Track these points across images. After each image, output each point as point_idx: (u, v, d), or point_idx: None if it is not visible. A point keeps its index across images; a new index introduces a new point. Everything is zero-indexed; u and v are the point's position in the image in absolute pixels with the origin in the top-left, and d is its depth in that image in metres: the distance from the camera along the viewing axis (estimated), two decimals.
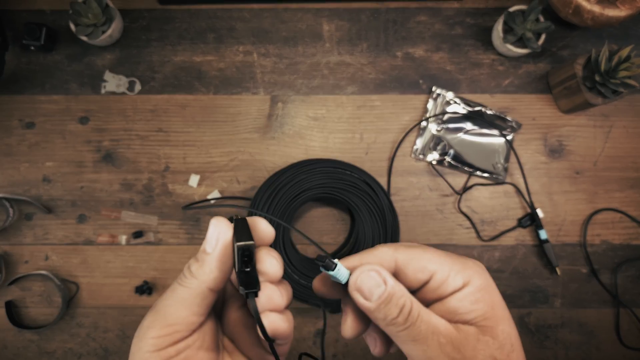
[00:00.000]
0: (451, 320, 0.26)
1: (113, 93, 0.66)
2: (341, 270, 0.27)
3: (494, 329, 0.26)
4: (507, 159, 0.65)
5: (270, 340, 0.25)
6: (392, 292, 0.25)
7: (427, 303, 0.28)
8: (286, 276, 0.61)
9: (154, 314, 0.26)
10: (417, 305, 0.26)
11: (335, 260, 0.26)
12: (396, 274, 0.28)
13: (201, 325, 0.27)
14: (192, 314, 0.26)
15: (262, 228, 0.28)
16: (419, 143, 0.66)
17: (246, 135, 0.66)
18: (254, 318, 0.26)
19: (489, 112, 0.65)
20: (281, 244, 0.61)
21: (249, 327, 0.29)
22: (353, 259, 0.28)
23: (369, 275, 0.26)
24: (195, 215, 0.64)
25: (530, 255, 0.65)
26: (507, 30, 0.64)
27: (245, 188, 0.65)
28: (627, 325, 0.64)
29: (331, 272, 0.26)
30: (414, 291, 0.28)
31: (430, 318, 0.26)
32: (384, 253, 0.28)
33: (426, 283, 0.28)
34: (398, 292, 0.25)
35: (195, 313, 0.26)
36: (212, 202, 0.64)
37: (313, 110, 0.66)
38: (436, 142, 0.66)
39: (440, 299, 0.27)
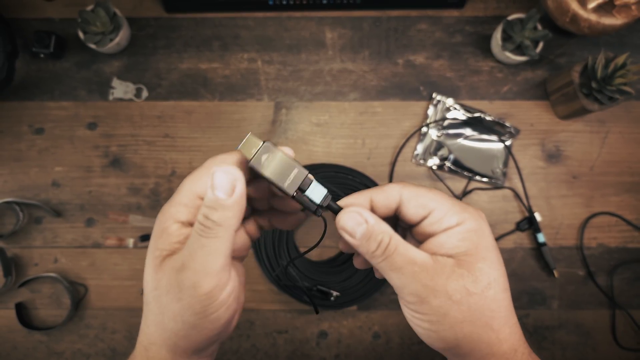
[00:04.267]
0: (435, 253, 0.29)
1: (121, 99, 0.68)
2: (315, 191, 0.30)
3: (471, 264, 0.28)
4: (505, 164, 0.67)
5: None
6: (371, 229, 0.28)
7: (424, 238, 0.30)
8: (288, 278, 0.62)
9: (193, 272, 0.26)
10: (396, 240, 0.28)
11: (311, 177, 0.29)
12: (399, 207, 0.31)
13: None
14: (226, 259, 0.27)
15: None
16: (420, 148, 0.67)
17: None
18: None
19: (488, 118, 0.67)
20: (284, 247, 0.63)
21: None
22: (363, 194, 0.31)
23: (351, 216, 0.29)
24: None
25: (528, 258, 0.66)
26: (506, 38, 0.65)
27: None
28: (622, 326, 0.65)
29: (307, 193, 0.29)
30: (414, 225, 0.31)
31: (407, 251, 0.28)
32: (392, 189, 0.30)
33: (425, 218, 0.30)
34: (377, 229, 0.28)
35: (227, 256, 0.27)
36: None
37: (316, 116, 0.68)
38: (436, 147, 0.67)
39: (434, 234, 0.30)
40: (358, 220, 0.28)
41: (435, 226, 0.29)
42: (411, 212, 0.30)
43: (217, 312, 0.27)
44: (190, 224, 0.29)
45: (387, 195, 0.30)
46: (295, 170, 0.29)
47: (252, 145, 0.29)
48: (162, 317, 0.27)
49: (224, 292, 0.27)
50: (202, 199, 0.29)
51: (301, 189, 0.29)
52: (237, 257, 0.33)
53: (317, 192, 0.30)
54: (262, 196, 0.32)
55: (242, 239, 0.33)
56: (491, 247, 0.29)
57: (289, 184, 0.29)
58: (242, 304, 0.32)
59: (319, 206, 0.30)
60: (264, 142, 0.29)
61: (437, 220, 0.29)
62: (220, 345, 0.64)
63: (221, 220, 0.26)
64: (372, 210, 0.31)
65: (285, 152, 0.29)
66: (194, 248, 0.26)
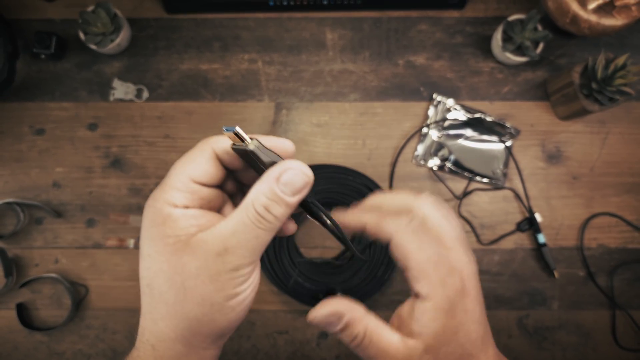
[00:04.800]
0: (410, 331, 0.29)
1: (121, 100, 0.68)
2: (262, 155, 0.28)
3: (437, 350, 0.28)
4: (506, 165, 0.67)
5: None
6: (345, 325, 0.29)
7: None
8: (290, 279, 0.62)
9: (239, 257, 0.27)
10: (370, 331, 0.29)
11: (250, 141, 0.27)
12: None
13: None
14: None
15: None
16: (420, 149, 0.67)
17: None
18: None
19: (488, 118, 0.67)
20: (285, 247, 0.63)
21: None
22: (361, 216, 0.31)
23: (326, 312, 0.29)
24: None
25: (528, 258, 0.66)
26: (506, 39, 0.65)
27: None
28: (622, 327, 0.65)
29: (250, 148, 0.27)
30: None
31: (380, 341, 0.29)
32: (388, 226, 0.29)
33: (406, 270, 0.29)
34: (352, 325, 0.29)
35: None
36: None
37: (316, 117, 0.68)
38: (437, 148, 0.67)
39: (414, 294, 0.29)
40: (333, 321, 0.29)
41: (413, 283, 0.29)
42: (397, 254, 0.29)
43: (244, 293, 0.28)
44: (188, 208, 0.28)
45: (380, 231, 0.30)
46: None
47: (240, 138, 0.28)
48: (182, 304, 0.27)
49: (254, 274, 0.28)
50: (196, 182, 0.28)
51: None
52: None
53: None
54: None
55: None
56: (460, 328, 0.28)
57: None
58: None
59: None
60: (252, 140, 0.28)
61: (413, 278, 0.29)
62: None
63: (282, 216, 0.27)
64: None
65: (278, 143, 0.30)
66: (247, 237, 0.26)
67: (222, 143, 0.29)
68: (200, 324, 0.27)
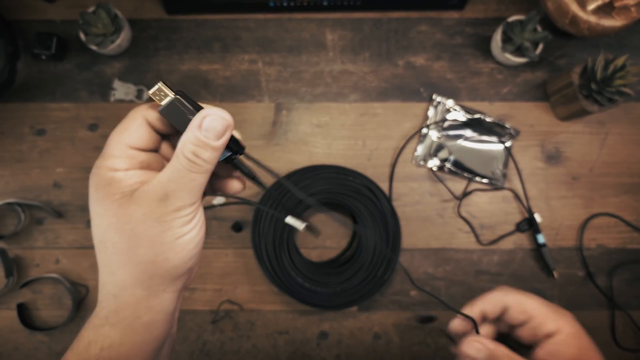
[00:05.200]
0: None
1: (122, 101, 0.68)
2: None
3: None
4: (505, 165, 0.67)
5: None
6: (492, 355, 0.36)
7: (526, 343, 0.38)
8: (290, 279, 0.62)
9: (179, 199, 0.29)
10: None
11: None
12: (503, 312, 0.39)
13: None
14: (203, 189, 0.30)
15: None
16: (420, 149, 0.68)
17: (251, 142, 0.68)
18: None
19: (488, 119, 0.67)
20: (285, 248, 0.63)
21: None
22: (474, 307, 0.40)
23: (474, 345, 0.36)
24: None
25: (528, 259, 0.66)
26: (506, 39, 0.66)
27: (250, 193, 0.67)
28: (622, 327, 0.65)
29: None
30: (514, 327, 0.39)
31: None
32: (497, 298, 0.40)
33: (525, 323, 0.38)
34: (498, 354, 0.36)
35: (204, 187, 0.30)
36: (218, 207, 0.66)
37: (317, 117, 0.68)
38: (436, 148, 0.67)
39: (535, 339, 0.37)
40: (479, 348, 0.36)
41: (536, 331, 0.37)
42: (513, 317, 0.38)
43: (191, 232, 0.30)
44: (129, 170, 0.30)
45: (494, 305, 0.39)
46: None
47: (163, 94, 0.29)
48: (135, 249, 0.29)
49: (197, 217, 0.30)
50: (133, 148, 0.30)
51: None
52: None
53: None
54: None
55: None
56: (591, 345, 0.37)
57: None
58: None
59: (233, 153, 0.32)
60: (175, 94, 0.29)
61: (537, 325, 0.37)
62: (220, 345, 0.64)
63: (210, 159, 0.29)
64: (483, 318, 0.40)
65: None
66: (183, 181, 0.28)
67: (152, 110, 0.31)
68: (155, 265, 0.29)
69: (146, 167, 0.31)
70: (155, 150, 0.32)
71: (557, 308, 0.38)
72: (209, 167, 0.29)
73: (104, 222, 0.29)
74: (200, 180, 0.29)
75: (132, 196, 0.29)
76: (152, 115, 0.30)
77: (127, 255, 0.29)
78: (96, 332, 0.30)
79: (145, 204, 0.28)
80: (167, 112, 0.29)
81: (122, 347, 0.29)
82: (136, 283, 0.29)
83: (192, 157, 0.28)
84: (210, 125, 0.28)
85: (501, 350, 0.36)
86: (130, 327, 0.30)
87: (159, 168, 0.32)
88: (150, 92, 0.29)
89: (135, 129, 0.30)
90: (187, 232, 0.30)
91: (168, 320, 0.32)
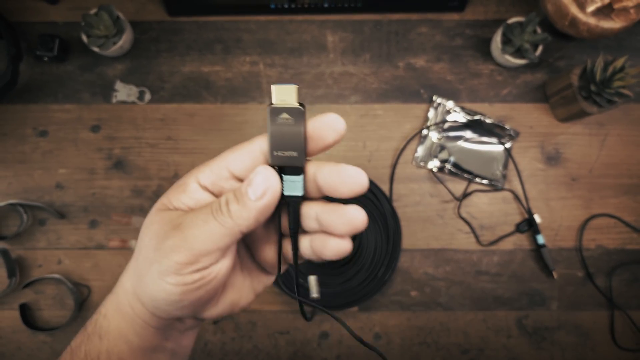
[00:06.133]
0: None
1: (124, 102, 0.68)
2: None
3: None
4: (505, 166, 0.68)
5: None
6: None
7: None
8: (291, 279, 0.63)
9: (182, 238, 0.26)
10: None
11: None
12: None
13: (224, 255, 0.27)
14: (218, 250, 0.26)
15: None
16: (420, 151, 0.68)
17: None
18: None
19: (488, 120, 0.67)
20: None
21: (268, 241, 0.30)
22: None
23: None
24: None
25: (527, 259, 0.67)
26: (506, 41, 0.66)
27: None
28: (621, 327, 0.66)
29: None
30: None
31: None
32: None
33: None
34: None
35: (222, 249, 0.26)
36: None
37: None
38: (437, 149, 0.68)
39: None
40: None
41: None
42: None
43: (173, 287, 0.26)
44: (206, 190, 0.28)
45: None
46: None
47: (287, 96, 0.26)
48: (138, 255, 0.28)
49: (192, 276, 0.26)
50: (230, 173, 0.28)
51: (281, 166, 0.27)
52: (265, 268, 0.32)
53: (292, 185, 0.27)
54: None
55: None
56: None
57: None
58: (241, 306, 0.31)
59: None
60: (301, 105, 0.26)
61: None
62: (222, 345, 0.65)
63: (235, 215, 0.26)
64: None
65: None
66: (198, 219, 0.26)
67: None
68: (141, 284, 0.27)
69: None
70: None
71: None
72: (230, 222, 0.26)
73: (148, 216, 0.28)
74: (214, 230, 0.26)
75: (168, 210, 0.28)
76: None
77: (134, 259, 0.28)
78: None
79: (162, 223, 0.27)
80: (274, 116, 0.26)
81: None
82: (130, 290, 0.29)
83: (223, 203, 0.26)
84: (255, 181, 0.26)
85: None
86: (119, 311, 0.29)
87: None
88: (277, 85, 0.26)
89: (245, 153, 0.28)
90: (171, 283, 0.26)
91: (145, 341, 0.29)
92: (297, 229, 0.28)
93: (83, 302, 0.66)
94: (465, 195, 0.67)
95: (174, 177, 0.67)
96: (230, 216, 0.26)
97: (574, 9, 0.60)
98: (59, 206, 0.67)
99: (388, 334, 0.65)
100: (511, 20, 0.66)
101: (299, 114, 0.25)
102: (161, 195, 0.29)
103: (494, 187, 0.68)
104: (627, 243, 0.67)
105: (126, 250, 0.66)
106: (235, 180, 0.28)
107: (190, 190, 0.28)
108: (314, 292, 0.32)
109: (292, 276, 0.63)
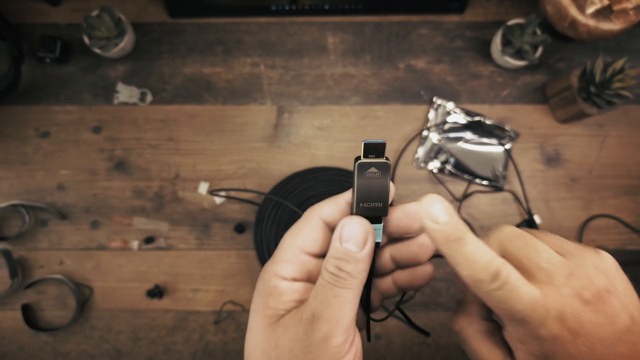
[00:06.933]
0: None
1: (125, 103, 0.69)
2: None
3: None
4: (505, 167, 0.68)
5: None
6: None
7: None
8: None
9: (326, 323, 0.25)
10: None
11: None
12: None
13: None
14: (355, 313, 0.27)
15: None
16: (421, 152, 0.68)
17: (254, 144, 0.68)
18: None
19: (488, 122, 0.68)
20: None
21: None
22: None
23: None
24: (204, 221, 0.67)
25: None
26: (506, 43, 0.66)
27: (253, 195, 0.67)
28: None
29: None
30: None
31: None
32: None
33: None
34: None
35: (356, 310, 0.27)
36: (233, 193, 0.67)
37: (318, 120, 0.69)
38: (437, 150, 0.68)
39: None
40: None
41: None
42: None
43: None
44: (296, 280, 0.28)
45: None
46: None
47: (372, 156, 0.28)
48: None
49: (352, 352, 0.26)
50: (306, 253, 0.28)
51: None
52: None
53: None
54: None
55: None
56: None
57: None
58: None
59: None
60: (386, 159, 0.28)
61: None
62: (223, 345, 0.65)
63: (355, 272, 0.26)
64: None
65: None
66: (327, 297, 0.26)
67: (328, 209, 0.29)
68: None
69: (317, 278, 0.28)
70: None
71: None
72: (355, 282, 0.26)
73: (253, 340, 0.27)
74: (348, 297, 0.26)
75: (282, 318, 0.27)
76: (329, 212, 0.28)
77: None
78: None
79: (292, 328, 0.26)
80: (362, 172, 0.27)
81: None
82: None
83: (336, 271, 0.26)
84: (350, 235, 0.26)
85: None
86: None
87: None
88: (368, 141, 0.27)
89: (309, 230, 0.28)
90: None
91: None
92: (374, 272, 0.30)
93: (85, 302, 0.66)
94: (466, 196, 0.68)
95: (175, 178, 0.67)
96: (351, 276, 0.26)
97: (573, 11, 0.61)
98: (60, 207, 0.67)
99: (388, 335, 0.65)
100: (511, 22, 0.66)
101: (385, 168, 0.27)
102: (254, 308, 0.28)
103: (494, 188, 0.68)
104: (627, 244, 0.67)
105: (127, 251, 0.66)
106: (314, 258, 0.28)
107: (284, 289, 0.27)
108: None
109: None
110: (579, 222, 0.67)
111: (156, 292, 0.65)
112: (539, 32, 0.66)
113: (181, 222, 0.67)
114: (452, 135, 0.68)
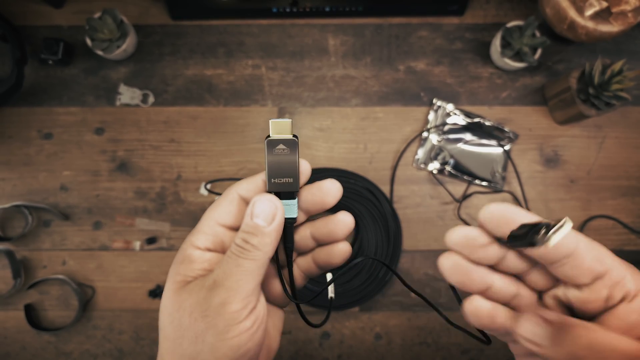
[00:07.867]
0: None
1: (127, 105, 0.69)
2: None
3: None
4: (504, 168, 0.68)
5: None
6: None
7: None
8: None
9: (225, 289, 0.27)
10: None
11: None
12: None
13: (260, 292, 0.29)
14: (258, 285, 0.28)
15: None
16: (421, 153, 0.69)
17: (255, 146, 0.69)
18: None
19: (487, 123, 0.68)
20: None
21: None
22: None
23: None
24: None
25: None
26: (505, 45, 0.67)
27: None
28: None
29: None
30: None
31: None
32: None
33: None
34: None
35: (259, 284, 0.28)
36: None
37: (319, 121, 0.69)
38: (437, 152, 0.69)
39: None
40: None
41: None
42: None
43: (238, 337, 0.27)
44: (210, 251, 0.29)
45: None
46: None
47: (282, 130, 0.29)
48: (180, 341, 0.27)
49: (250, 319, 0.27)
50: (222, 226, 0.30)
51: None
52: (275, 303, 0.34)
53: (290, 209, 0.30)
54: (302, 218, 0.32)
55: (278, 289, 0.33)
56: None
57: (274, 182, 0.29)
58: (274, 350, 0.32)
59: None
60: (294, 136, 0.29)
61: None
62: None
63: (260, 245, 0.28)
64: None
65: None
66: (230, 267, 0.27)
67: (245, 185, 0.30)
68: None
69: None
70: None
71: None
72: (259, 254, 0.27)
73: (163, 301, 0.28)
74: (250, 267, 0.27)
75: (189, 284, 0.28)
76: (246, 189, 0.30)
77: (173, 345, 0.28)
78: None
79: (195, 293, 0.27)
80: (272, 147, 0.29)
81: None
82: None
83: (242, 243, 0.27)
84: (260, 211, 0.28)
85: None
86: None
87: None
88: (274, 119, 0.29)
89: (226, 204, 0.30)
90: (233, 336, 0.27)
91: None
92: (292, 247, 0.31)
93: (87, 302, 0.66)
94: (465, 197, 0.68)
95: (177, 179, 0.68)
96: (256, 249, 0.27)
97: (572, 13, 0.61)
98: (63, 208, 0.68)
99: (389, 334, 0.66)
100: (510, 24, 0.66)
101: (293, 145, 0.29)
102: (169, 274, 0.29)
103: (493, 188, 0.68)
104: (626, 244, 0.67)
105: (130, 251, 0.67)
106: (229, 230, 0.30)
107: (196, 258, 0.29)
108: (330, 292, 0.34)
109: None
110: (577, 223, 0.68)
111: (158, 292, 0.66)
112: (538, 34, 0.66)
113: (183, 223, 0.67)
114: (451, 136, 0.69)
